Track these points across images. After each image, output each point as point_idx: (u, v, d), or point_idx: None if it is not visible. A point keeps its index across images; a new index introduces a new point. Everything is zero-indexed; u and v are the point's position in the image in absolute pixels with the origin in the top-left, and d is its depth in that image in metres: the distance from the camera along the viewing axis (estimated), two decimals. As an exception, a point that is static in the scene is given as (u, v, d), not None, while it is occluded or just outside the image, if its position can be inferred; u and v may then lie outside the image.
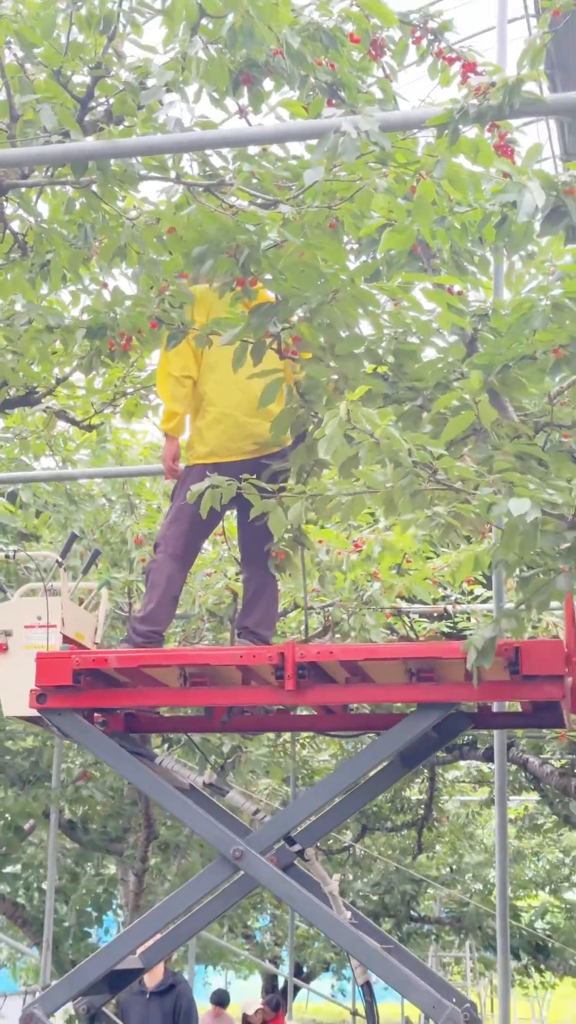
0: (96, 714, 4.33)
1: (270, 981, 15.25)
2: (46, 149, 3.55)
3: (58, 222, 3.98)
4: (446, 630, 8.82)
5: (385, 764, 4.35)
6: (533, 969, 14.19)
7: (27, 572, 6.57)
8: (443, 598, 8.66)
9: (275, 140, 3.91)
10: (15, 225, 4.02)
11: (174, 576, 4.53)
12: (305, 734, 9.30)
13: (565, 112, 3.92)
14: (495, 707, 4.73)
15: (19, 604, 4.48)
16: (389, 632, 8.36)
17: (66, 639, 4.28)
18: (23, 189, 3.88)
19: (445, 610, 8.92)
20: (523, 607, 3.99)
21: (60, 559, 4.79)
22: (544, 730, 8.72)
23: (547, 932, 14.01)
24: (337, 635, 7.33)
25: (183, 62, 3.56)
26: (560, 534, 3.56)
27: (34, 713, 4.10)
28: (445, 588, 8.11)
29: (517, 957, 12.96)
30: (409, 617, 8.77)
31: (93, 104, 3.85)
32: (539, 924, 14.74)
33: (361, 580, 7.06)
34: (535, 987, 16.64)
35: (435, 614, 8.95)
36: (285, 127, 3.85)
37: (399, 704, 4.57)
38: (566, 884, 15.47)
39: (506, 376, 3.75)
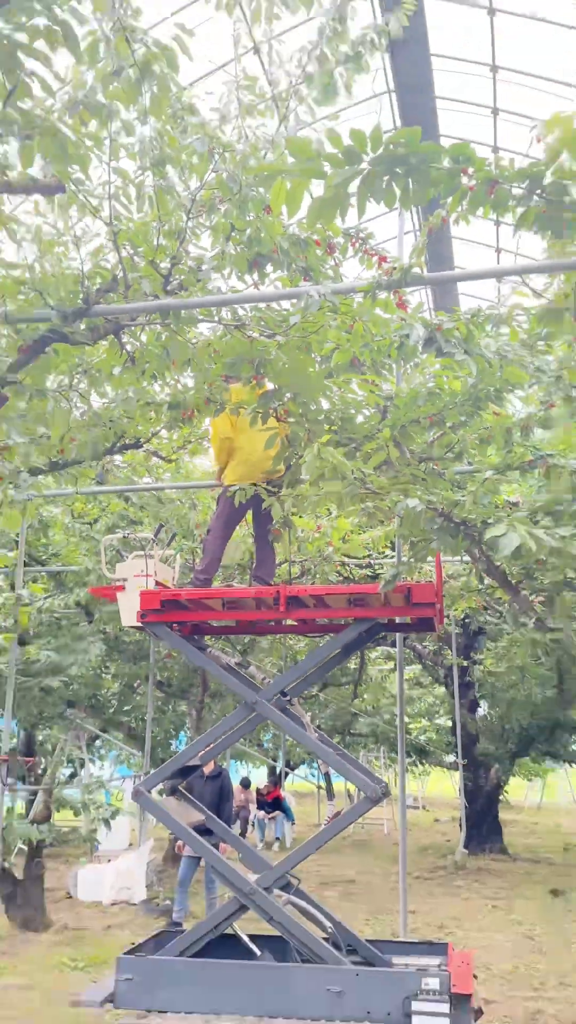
0: (174, 624, 5.90)
1: (271, 770, 21.84)
2: (145, 304, 4.82)
3: (151, 346, 5.23)
4: (369, 574, 11.19)
5: (336, 651, 6.02)
6: (418, 762, 20.29)
7: (135, 544, 8.49)
8: (368, 556, 10.92)
9: (273, 299, 5.13)
10: (128, 347, 5.21)
11: (218, 546, 6.32)
12: (291, 635, 11.59)
13: (433, 283, 5.25)
14: (397, 620, 6.13)
15: (131, 563, 6.08)
16: (339, 576, 10.59)
17: (157, 583, 5.93)
18: (132, 327, 5.13)
19: (369, 563, 11.25)
20: (411, 560, 5.56)
21: (153, 538, 6.46)
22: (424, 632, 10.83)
23: (425, 742, 19.25)
24: (308, 577, 9.40)
25: (222, 256, 4.96)
26: (433, 519, 5.12)
27: (138, 624, 5.78)
28: (369, 552, 10.39)
29: (409, 756, 18.59)
30: (348, 567, 10.99)
31: (172, 279, 4.95)
32: (422, 737, 19.81)
33: (322, 546, 8.92)
34: (418, 774, 24.54)
35: (363, 565, 11.28)
36: (279, 292, 4.98)
37: (344, 619, 5.97)
38: (438, 714, 20.46)
39: (403, 431, 5.18)
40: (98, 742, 18.80)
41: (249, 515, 6.53)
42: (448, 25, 10.44)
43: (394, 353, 4.98)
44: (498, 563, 5.99)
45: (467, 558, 6.10)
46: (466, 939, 8.97)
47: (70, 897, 11.24)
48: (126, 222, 5.01)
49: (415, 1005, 5.18)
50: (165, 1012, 5.44)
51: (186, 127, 4.85)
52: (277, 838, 17.70)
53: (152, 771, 10.27)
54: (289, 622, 6.37)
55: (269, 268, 5.14)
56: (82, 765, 17.35)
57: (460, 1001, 5.26)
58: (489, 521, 5.01)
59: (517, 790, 27.81)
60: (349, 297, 5.01)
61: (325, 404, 5.25)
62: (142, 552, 6.07)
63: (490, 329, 5.14)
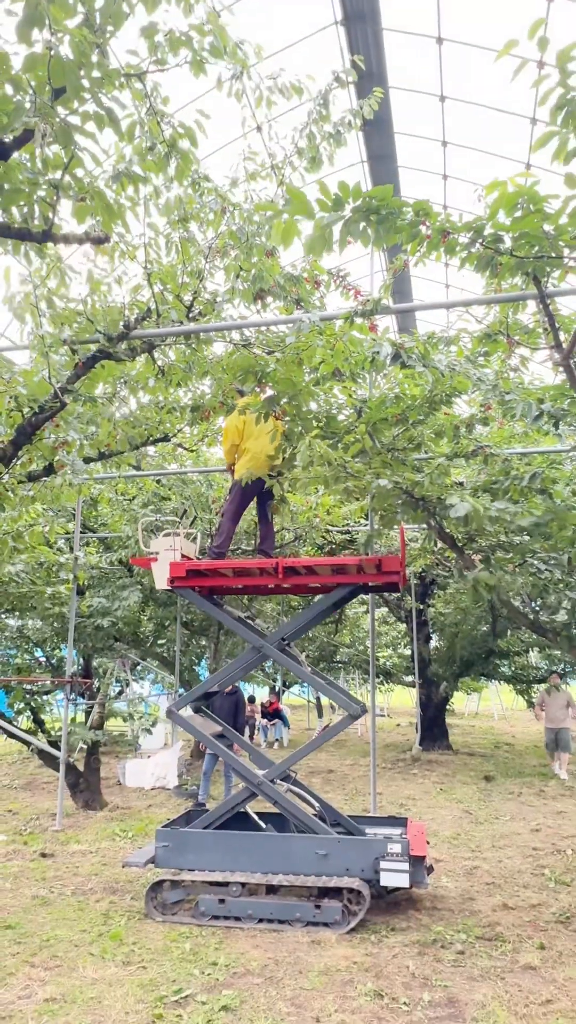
0: (196, 587, 6.00)
1: (272, 688, 21.44)
2: (172, 329, 4.90)
3: (178, 361, 5.27)
4: (348, 539, 11.18)
5: (325, 607, 6.04)
6: (384, 681, 20.00)
7: (165, 525, 8.42)
8: (347, 524, 10.87)
9: (273, 324, 5.23)
10: (159, 363, 5.26)
11: (230, 527, 6.31)
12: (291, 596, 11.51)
13: (397, 312, 5.25)
14: (371, 585, 6.13)
15: (161, 540, 6.11)
16: (323, 540, 10.59)
17: (183, 556, 5.98)
18: (162, 347, 5.18)
19: (347, 531, 11.18)
20: (380, 528, 5.56)
21: (178, 519, 6.44)
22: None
23: (390, 666, 19.53)
24: (300, 542, 9.39)
25: (232, 291, 4.99)
26: (399, 496, 5.13)
27: (168, 588, 5.83)
28: (348, 521, 10.32)
29: (377, 677, 18.94)
30: (331, 533, 10.95)
31: (193, 309, 5.08)
32: (387, 663, 19.99)
33: (311, 517, 8.87)
34: (384, 690, 23.87)
35: (343, 532, 11.25)
36: (277, 319, 5.18)
37: (330, 583, 6.10)
38: (400, 645, 20.21)
39: (375, 427, 5.21)
40: (139, 667, 18.96)
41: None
42: (408, 108, 10.27)
43: (367, 366, 4.97)
44: (448, 530, 6.03)
45: (424, 527, 6.14)
46: (420, 814, 9.09)
47: (119, 784, 11.35)
48: (157, 265, 4.96)
49: (383, 864, 5.27)
50: (193, 870, 5.53)
51: (203, 191, 4.79)
52: (277, 739, 17.89)
53: (181, 691, 10.41)
54: (286, 586, 6.32)
55: (270, 300, 5.12)
56: (127, 685, 17.46)
57: (416, 861, 5.35)
58: (442, 498, 5.03)
59: (459, 701, 28.21)
60: (332, 323, 5.01)
61: (314, 406, 5.21)
62: (171, 531, 6.08)
63: (442, 348, 5.14)
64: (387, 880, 5.23)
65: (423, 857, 5.34)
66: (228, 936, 5.04)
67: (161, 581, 5.90)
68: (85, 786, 8.96)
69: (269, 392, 5.10)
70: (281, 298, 5.14)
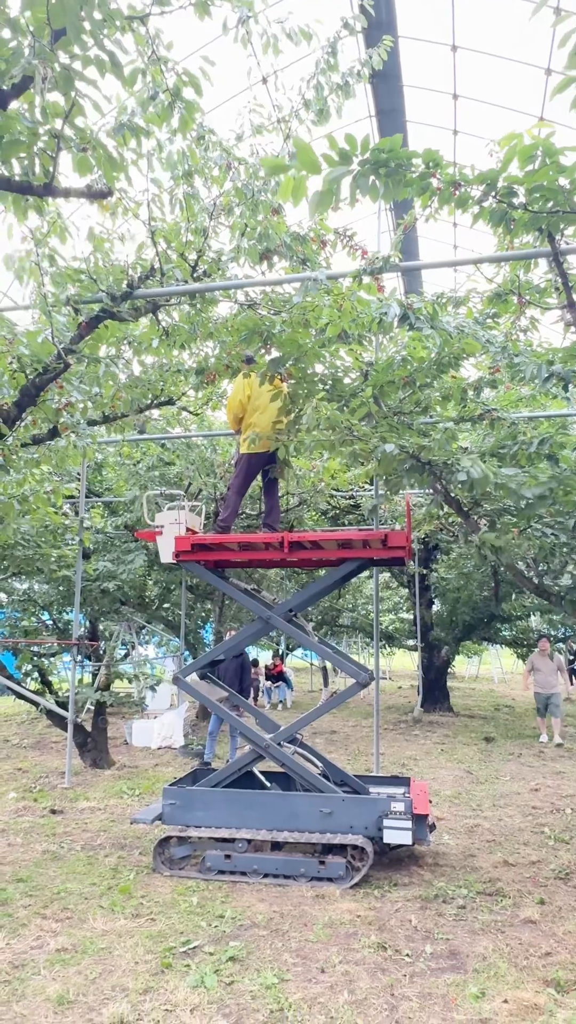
0: (202, 561, 5.95)
1: (275, 651, 21.51)
2: (177, 288, 4.77)
3: (182, 322, 5.14)
4: (352, 504, 11.11)
5: (332, 582, 6.00)
6: (386, 645, 20.02)
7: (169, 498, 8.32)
8: (351, 489, 10.78)
9: (279, 283, 5.06)
10: (163, 324, 5.13)
11: (236, 501, 6.26)
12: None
13: (406, 270, 5.10)
14: (377, 559, 5.98)
15: (166, 513, 6.06)
16: (328, 505, 10.52)
17: (188, 529, 5.95)
18: (166, 307, 5.04)
19: (352, 495, 11.10)
20: (386, 493, 5.48)
21: (183, 494, 6.42)
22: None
23: (393, 631, 19.28)
24: (305, 507, 9.32)
25: (238, 249, 4.84)
26: (405, 460, 5.06)
27: (172, 562, 5.80)
28: (352, 486, 10.22)
29: (380, 640, 18.50)
30: (336, 498, 10.87)
31: (198, 268, 4.94)
32: (390, 627, 19.59)
33: (315, 482, 8.79)
34: (386, 654, 24.82)
35: (347, 497, 11.14)
36: (283, 278, 4.96)
37: (335, 558, 5.99)
38: (402, 609, 20.17)
39: (381, 390, 5.13)
40: (144, 631, 19.13)
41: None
42: (418, 59, 9.91)
43: (375, 327, 4.86)
44: (454, 494, 5.99)
45: (430, 491, 6.06)
46: (422, 773, 9.22)
47: (127, 743, 11.53)
48: (162, 223, 4.82)
49: (386, 822, 5.33)
50: (200, 827, 5.61)
51: (208, 145, 4.63)
52: (280, 701, 18.12)
53: (186, 654, 10.52)
54: (291, 560, 6.25)
55: (276, 260, 4.98)
56: (133, 647, 17.65)
57: (419, 819, 5.41)
58: (449, 462, 4.97)
59: (460, 664, 28.46)
60: (338, 283, 4.88)
61: (320, 368, 5.10)
62: (176, 504, 6.04)
63: (451, 309, 5.02)
64: (390, 837, 5.30)
65: (426, 815, 5.40)
66: (234, 890, 5.14)
67: (166, 555, 5.85)
68: (93, 745, 9.09)
69: (274, 354, 5.02)
70: (287, 258, 4.99)
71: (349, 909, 4.76)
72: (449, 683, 17.28)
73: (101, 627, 16.35)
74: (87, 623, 15.63)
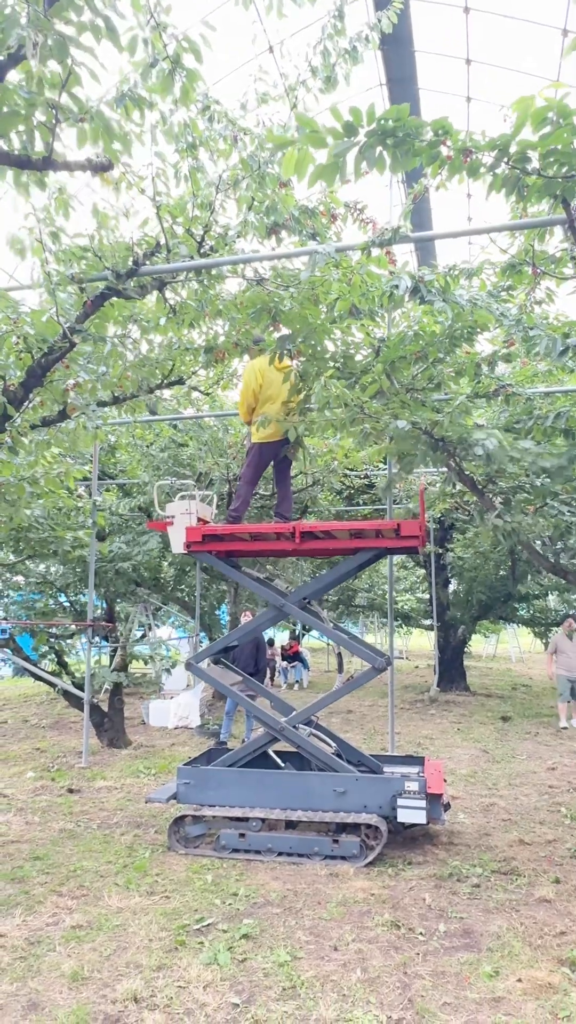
0: (214, 551, 5.91)
1: (292, 632, 21.16)
2: (183, 264, 4.63)
3: (189, 299, 5.02)
4: (366, 483, 10.98)
5: (346, 571, 5.90)
6: (402, 625, 20.15)
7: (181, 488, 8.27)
8: (364, 469, 10.65)
9: (287, 256, 4.88)
10: (170, 301, 4.98)
11: (248, 491, 6.23)
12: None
13: (418, 241, 4.91)
14: (389, 548, 5.83)
15: (177, 503, 6.01)
16: (342, 484, 10.40)
17: (199, 519, 5.90)
18: (173, 284, 4.91)
19: (366, 475, 10.96)
20: (399, 473, 5.39)
21: (194, 483, 6.39)
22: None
23: (408, 610, 19.38)
24: (319, 487, 9.21)
25: (245, 224, 4.73)
26: (418, 437, 4.97)
27: (184, 552, 5.78)
28: (366, 465, 10.08)
29: (396, 620, 18.97)
30: (349, 477, 10.75)
31: (204, 244, 4.79)
32: (406, 607, 19.46)
33: (328, 461, 8.68)
34: (402, 634, 25.30)
35: (361, 477, 11.00)
36: (292, 251, 4.75)
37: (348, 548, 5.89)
38: (418, 589, 20.09)
39: (393, 366, 5.04)
40: (160, 611, 19.24)
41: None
42: (429, 23, 9.63)
43: (385, 301, 4.75)
44: (468, 472, 5.89)
45: (443, 470, 5.95)
46: (437, 753, 9.22)
47: (144, 723, 11.63)
48: (166, 197, 4.71)
49: (400, 801, 5.32)
50: (214, 806, 5.64)
51: (213, 115, 4.51)
52: (297, 681, 18.18)
53: (202, 635, 10.59)
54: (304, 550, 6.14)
55: (284, 235, 4.86)
56: (149, 628, 17.74)
57: (433, 798, 5.39)
58: (464, 437, 4.87)
59: (476, 643, 28.37)
60: (348, 257, 4.76)
61: (330, 346, 5.00)
62: (187, 494, 5.99)
63: (464, 282, 4.89)
64: (404, 817, 5.29)
65: (440, 795, 5.38)
66: (248, 869, 5.17)
67: (178, 545, 5.83)
68: (109, 725, 9.17)
69: (283, 331, 4.92)
70: (296, 232, 4.87)
71: (363, 887, 4.77)
72: (466, 663, 17.23)
73: (118, 609, 16.47)
74: (103, 604, 15.76)
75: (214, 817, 5.57)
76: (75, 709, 10.12)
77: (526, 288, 5.03)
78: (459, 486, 9.11)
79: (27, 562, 11.98)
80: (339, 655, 20.89)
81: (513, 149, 3.42)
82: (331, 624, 6.15)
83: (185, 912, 4.40)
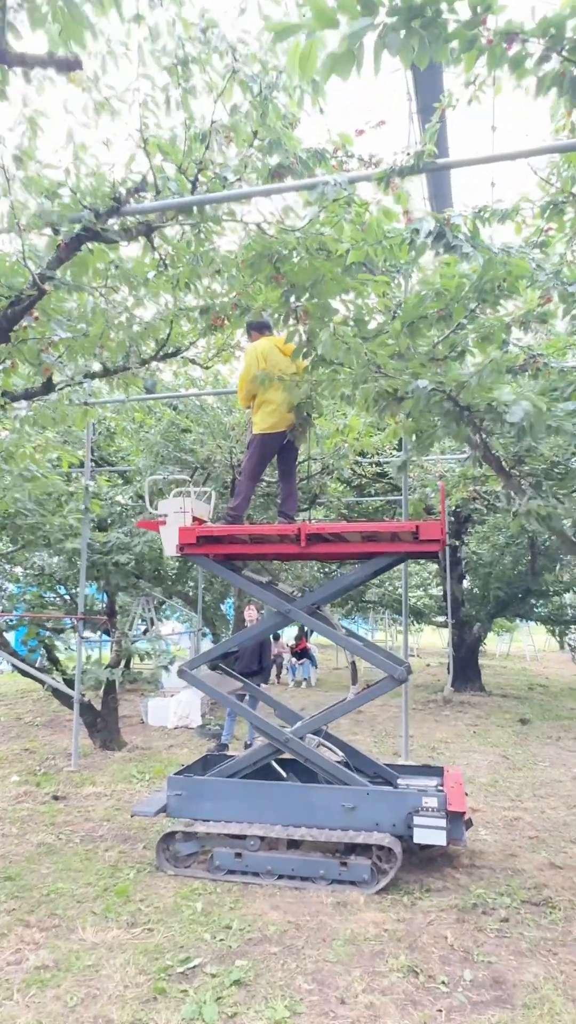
0: (210, 554, 5.31)
1: (300, 628, 19.15)
2: (172, 201, 3.99)
3: (183, 253, 4.39)
4: (378, 471, 10.22)
5: (359, 578, 5.28)
6: (414, 622, 19.44)
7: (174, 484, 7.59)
8: (377, 454, 9.89)
9: (291, 189, 4.11)
10: (160, 253, 4.36)
11: (249, 488, 5.63)
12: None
13: (444, 168, 4.22)
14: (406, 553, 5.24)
15: (171, 501, 5.44)
16: (352, 472, 9.66)
17: (194, 519, 5.32)
18: (162, 227, 4.25)
19: (378, 461, 10.20)
20: (415, 452, 4.74)
21: (190, 479, 5.79)
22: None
23: (421, 607, 18.72)
24: (328, 474, 8.50)
25: (244, 164, 4.15)
26: (440, 403, 4.33)
27: (177, 555, 5.22)
28: (378, 452, 9.33)
29: (408, 617, 16.52)
30: (361, 464, 10.01)
31: (199, 184, 4.21)
32: (418, 603, 18.75)
33: (338, 443, 7.98)
34: (414, 631, 23.44)
35: (374, 463, 10.24)
36: (298, 183, 4.07)
37: (359, 552, 5.31)
38: (431, 585, 19.31)
39: (412, 327, 4.40)
40: (164, 606, 18.63)
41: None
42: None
43: (403, 253, 4.13)
44: (496, 451, 5.27)
45: (464, 452, 5.33)
46: (453, 758, 8.59)
47: (143, 722, 11.07)
48: (156, 128, 4.09)
49: (416, 819, 4.70)
50: (208, 821, 5.04)
51: (207, 25, 3.88)
52: (305, 679, 17.59)
53: (206, 632, 9.96)
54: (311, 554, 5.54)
55: (289, 179, 4.23)
56: (152, 623, 17.18)
57: (455, 816, 4.77)
58: (493, 404, 4.23)
59: (490, 641, 27.66)
60: (363, 203, 4.11)
61: (341, 308, 4.34)
62: (181, 492, 5.41)
63: (495, 224, 4.24)
64: (421, 837, 4.67)
65: (462, 813, 4.75)
66: (244, 894, 4.56)
67: (170, 547, 5.25)
68: (103, 726, 8.60)
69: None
70: (300, 176, 4.24)
71: (374, 920, 4.15)
72: (480, 661, 16.53)
73: (120, 603, 15.89)
74: (104, 598, 15.19)
75: (207, 834, 4.96)
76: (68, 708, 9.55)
77: (569, 235, 4.37)
78: (482, 470, 8.41)
79: (25, 553, 11.45)
80: (353, 664, 20.01)
81: (569, 34, 2.77)
82: (343, 631, 5.53)
83: (169, 949, 3.80)
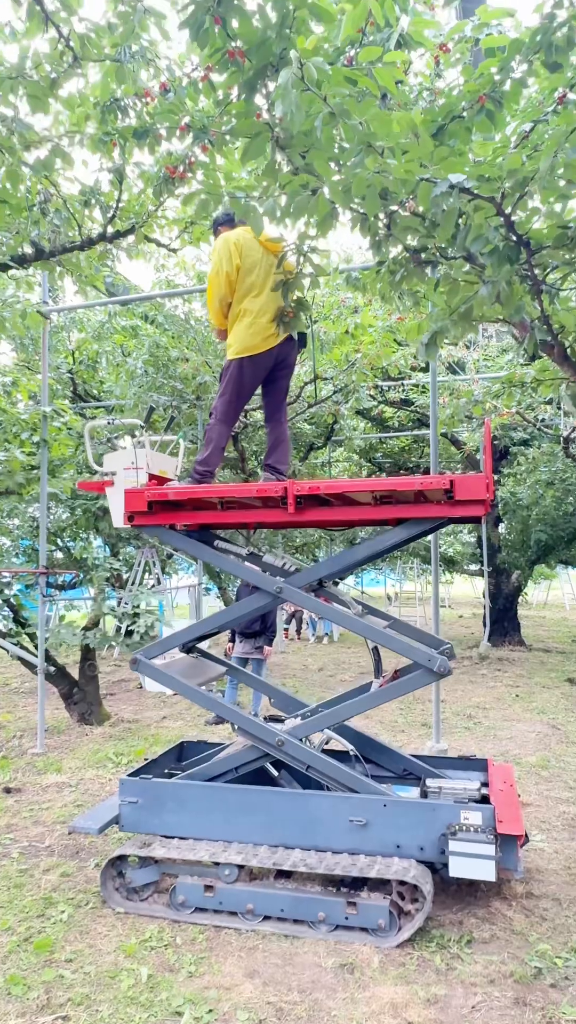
0: (168, 524, 3.93)
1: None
2: None
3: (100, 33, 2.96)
4: (402, 399, 8.55)
5: (378, 550, 3.82)
6: (445, 571, 17.47)
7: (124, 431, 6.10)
8: (400, 375, 8.28)
9: None
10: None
11: (223, 433, 4.21)
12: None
13: None
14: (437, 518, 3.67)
15: (119, 454, 4.14)
16: (372, 399, 7.98)
17: (152, 476, 4.04)
18: None
19: (402, 383, 8.59)
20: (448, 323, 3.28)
21: (143, 424, 4.47)
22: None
23: (453, 554, 16.55)
24: (342, 398, 6.87)
25: None
26: (483, 236, 2.84)
27: (125, 526, 3.91)
28: (401, 375, 7.73)
29: (439, 565, 14.81)
30: (381, 389, 8.38)
31: None
32: (450, 551, 16.53)
33: (350, 354, 6.39)
34: (445, 581, 21.56)
35: (398, 387, 8.59)
36: None
37: (371, 519, 4.00)
38: (463, 531, 17.19)
39: (442, 130, 2.89)
40: (172, 558, 17.41)
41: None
42: None
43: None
44: (560, 327, 3.77)
45: (513, 335, 3.81)
46: (494, 729, 7.28)
47: (140, 687, 9.97)
48: None
49: (453, 844, 3.35)
50: (172, 838, 3.79)
51: None
52: (326, 634, 16.45)
53: (212, 586, 8.54)
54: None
55: None
56: (158, 581, 15.98)
57: (507, 841, 3.41)
58: (568, 229, 2.73)
59: (527, 590, 26.18)
60: None
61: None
62: (131, 440, 4.16)
63: None
64: (459, 870, 3.33)
65: (519, 836, 3.39)
66: (213, 946, 3.30)
67: (118, 516, 3.97)
68: (80, 697, 7.42)
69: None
70: None
71: (393, 1002, 2.85)
72: (519, 612, 15.09)
73: (121, 555, 14.68)
74: (107, 549, 14.01)
75: (168, 858, 3.70)
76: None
77: None
78: (531, 366, 6.74)
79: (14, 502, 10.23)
80: (375, 651, 18.36)
81: None
82: (362, 609, 4.11)
83: (83, 1060, 2.56)
